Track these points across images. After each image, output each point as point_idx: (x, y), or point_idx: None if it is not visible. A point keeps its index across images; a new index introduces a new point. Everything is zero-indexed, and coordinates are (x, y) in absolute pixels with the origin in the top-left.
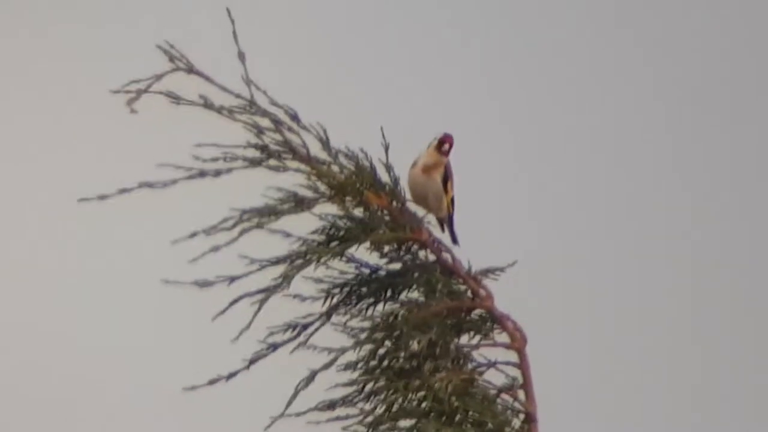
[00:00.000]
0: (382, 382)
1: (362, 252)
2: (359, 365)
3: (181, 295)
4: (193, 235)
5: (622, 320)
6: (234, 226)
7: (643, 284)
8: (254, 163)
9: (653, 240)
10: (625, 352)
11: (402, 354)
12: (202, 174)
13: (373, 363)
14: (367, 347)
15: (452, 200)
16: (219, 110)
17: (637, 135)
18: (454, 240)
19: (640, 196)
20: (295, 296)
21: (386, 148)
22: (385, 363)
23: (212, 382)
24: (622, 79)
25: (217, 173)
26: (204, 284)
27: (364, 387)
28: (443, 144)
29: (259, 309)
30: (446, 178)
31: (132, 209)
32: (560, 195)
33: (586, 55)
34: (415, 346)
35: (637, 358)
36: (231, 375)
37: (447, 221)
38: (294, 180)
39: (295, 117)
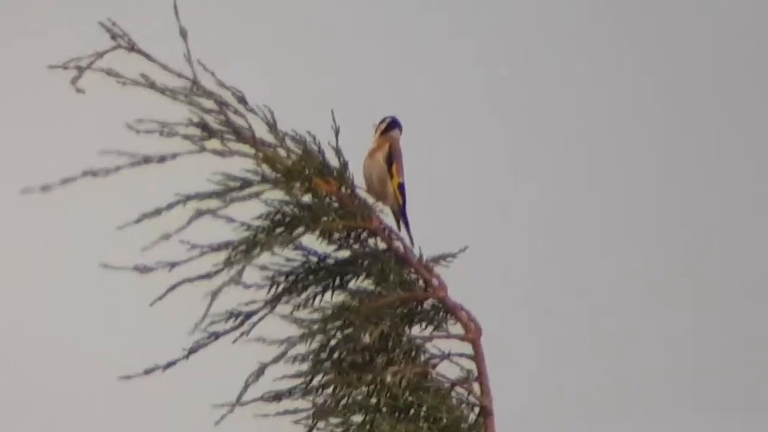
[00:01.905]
0: (332, 375)
1: (309, 239)
2: (309, 357)
3: (124, 283)
4: (139, 220)
5: (579, 307)
6: (177, 204)
7: (603, 268)
8: (195, 142)
9: (613, 220)
10: (581, 341)
11: (353, 346)
12: (147, 160)
13: (323, 355)
14: (318, 339)
15: (401, 187)
16: (162, 91)
17: (602, 111)
18: (410, 237)
19: (600, 172)
20: (237, 283)
21: (336, 132)
22: (336, 355)
23: (148, 371)
24: (596, 59)
25: (162, 159)
26: (144, 270)
27: (311, 379)
28: (381, 124)
29: (212, 301)
30: (390, 160)
31: (76, 196)
32: (518, 176)
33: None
34: (366, 338)
35: (592, 346)
36: (169, 364)
37: (398, 212)
38: (241, 165)
39: (242, 99)
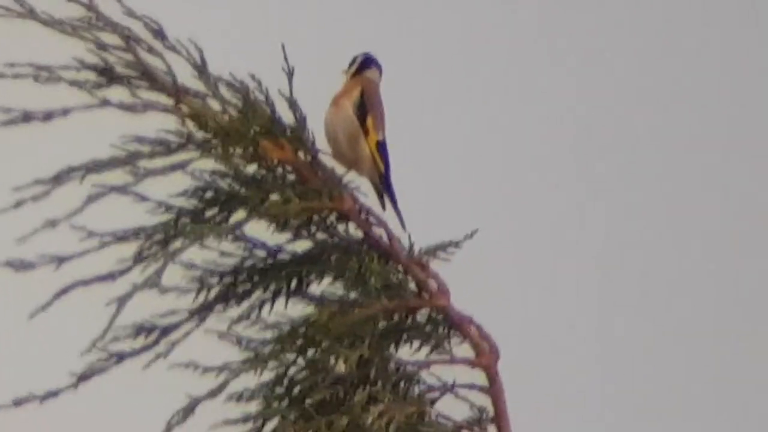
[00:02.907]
0: (291, 419)
1: (255, 226)
2: (260, 393)
3: None
4: (19, 204)
5: (629, 321)
6: (68, 178)
7: (654, 266)
8: (91, 92)
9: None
10: (633, 367)
11: (321, 378)
12: (27, 117)
13: (278, 390)
14: (271, 367)
15: (380, 147)
16: (46, 22)
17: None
18: (399, 219)
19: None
20: (154, 287)
21: (290, 75)
22: (297, 391)
23: (18, 403)
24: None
25: (48, 116)
26: (22, 266)
27: (263, 425)
28: (351, 66)
29: (117, 312)
30: (363, 109)
31: None
32: (533, 157)
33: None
34: (340, 366)
35: (649, 374)
36: (49, 395)
37: (379, 183)
38: (157, 125)
39: (159, 33)
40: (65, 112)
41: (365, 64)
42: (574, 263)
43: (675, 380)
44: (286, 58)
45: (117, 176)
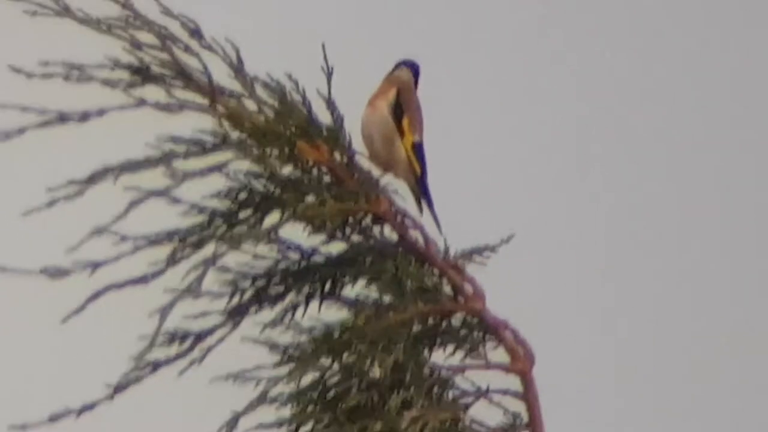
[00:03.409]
0: (326, 423)
1: (289, 228)
2: (294, 398)
3: (28, 290)
4: (52, 203)
5: (677, 327)
6: (102, 178)
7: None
8: (127, 92)
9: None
10: (677, 375)
11: (357, 383)
12: (63, 118)
13: (313, 395)
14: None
15: (417, 149)
16: (82, 20)
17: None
18: (436, 222)
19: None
20: (196, 296)
21: (328, 75)
22: (331, 395)
23: (54, 418)
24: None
25: (84, 117)
26: (56, 273)
27: (297, 429)
28: (395, 69)
29: (162, 322)
30: (399, 110)
31: None
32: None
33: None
34: (375, 371)
35: (696, 383)
36: (85, 409)
37: (415, 185)
38: (193, 125)
39: (196, 32)
40: (101, 112)
41: (399, 65)
42: (616, 267)
43: (730, 392)
44: (325, 58)
45: (151, 177)
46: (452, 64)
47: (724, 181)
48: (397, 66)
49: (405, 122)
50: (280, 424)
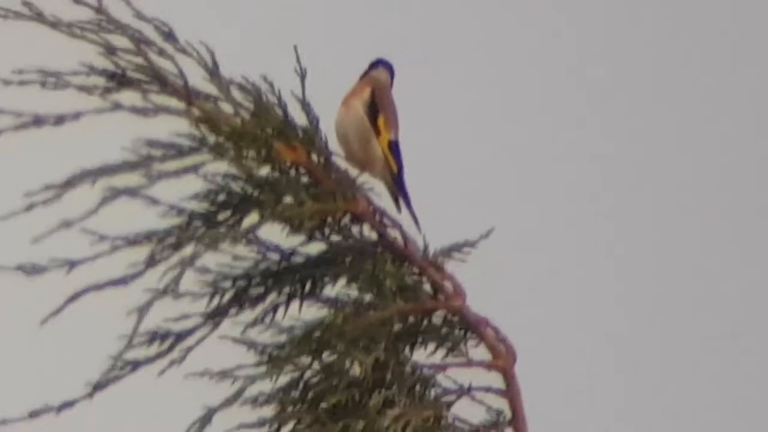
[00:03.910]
0: (307, 423)
1: (267, 228)
2: (275, 398)
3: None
4: (30, 207)
5: (649, 321)
6: (80, 181)
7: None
8: (102, 96)
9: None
10: (651, 367)
11: (337, 382)
12: (38, 121)
13: (293, 394)
14: (286, 372)
15: (393, 146)
16: (54, 24)
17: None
18: (415, 221)
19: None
20: (173, 295)
21: (302, 76)
22: (312, 394)
23: (34, 414)
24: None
25: (59, 120)
26: (34, 270)
27: (278, 429)
28: (370, 69)
29: (140, 320)
30: (375, 109)
31: None
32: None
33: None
34: (356, 370)
35: (666, 373)
36: (64, 405)
37: (392, 183)
38: (170, 128)
39: (169, 35)
40: (77, 116)
41: (374, 65)
42: (592, 262)
43: (696, 385)
44: (298, 60)
45: (129, 179)
46: (426, 59)
47: (715, 177)
48: (372, 66)
49: (380, 121)
50: (261, 423)
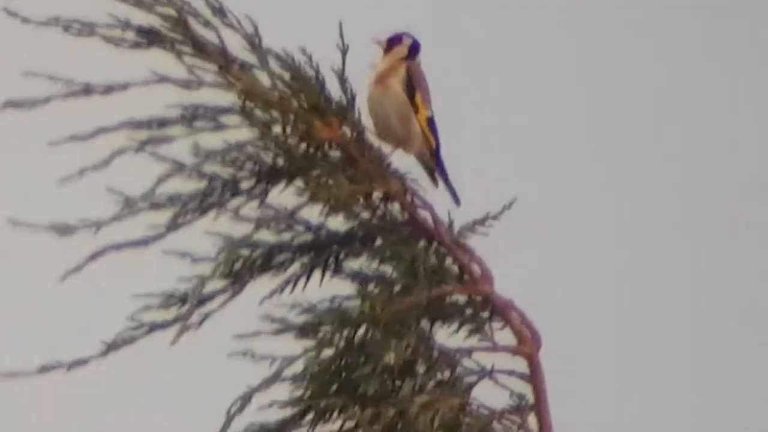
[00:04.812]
0: (340, 407)
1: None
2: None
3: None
4: (83, 171)
5: (677, 307)
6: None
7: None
8: (131, 46)
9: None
10: (689, 358)
11: (371, 369)
12: (88, 90)
13: (325, 377)
14: (323, 353)
15: (430, 122)
16: None
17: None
18: (454, 196)
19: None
20: (184, 255)
21: (344, 52)
22: (345, 378)
23: (44, 369)
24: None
25: (108, 90)
26: (65, 230)
27: (307, 410)
28: (392, 44)
29: (200, 289)
30: (411, 86)
31: None
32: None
33: None
34: (390, 357)
35: (694, 358)
36: (76, 363)
37: (431, 161)
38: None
39: (219, 10)
40: (125, 86)
41: (396, 39)
42: (624, 249)
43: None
44: (341, 35)
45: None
46: (452, 37)
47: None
48: (394, 40)
49: (418, 98)
50: (294, 403)
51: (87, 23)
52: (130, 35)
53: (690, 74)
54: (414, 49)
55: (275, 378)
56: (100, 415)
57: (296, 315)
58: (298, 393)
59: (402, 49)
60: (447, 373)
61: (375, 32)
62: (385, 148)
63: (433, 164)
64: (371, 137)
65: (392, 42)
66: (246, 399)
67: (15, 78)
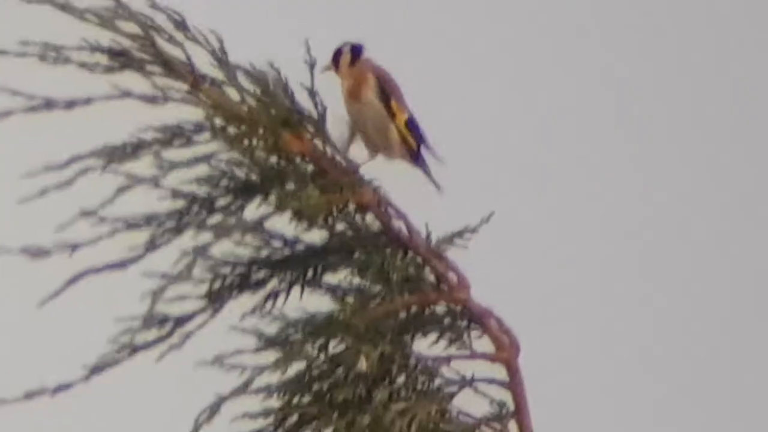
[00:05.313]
0: (312, 415)
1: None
2: (280, 389)
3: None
4: (44, 192)
5: (655, 314)
6: (82, 161)
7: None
8: (103, 71)
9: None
10: (656, 361)
11: (344, 375)
12: (49, 105)
13: (298, 386)
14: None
15: (409, 123)
16: (63, 7)
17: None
18: (433, 182)
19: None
20: (164, 275)
21: (311, 66)
22: (318, 387)
23: (30, 395)
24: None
25: (70, 105)
26: (37, 253)
27: (284, 420)
28: (337, 60)
29: (154, 305)
30: (386, 94)
31: None
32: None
33: None
34: (362, 363)
35: (673, 370)
36: (60, 388)
37: (410, 160)
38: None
39: (181, 24)
40: (87, 101)
41: (356, 51)
42: (598, 249)
43: (710, 377)
44: (308, 51)
45: (136, 166)
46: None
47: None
48: (337, 55)
49: (393, 104)
50: (266, 414)
51: (59, 49)
52: (103, 59)
53: (687, 74)
54: (355, 51)
55: (245, 387)
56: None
57: (267, 324)
58: (270, 403)
59: (346, 58)
60: (425, 382)
61: (342, 37)
62: (370, 155)
63: (414, 164)
64: (343, 149)
65: (336, 58)
66: (215, 407)
67: None
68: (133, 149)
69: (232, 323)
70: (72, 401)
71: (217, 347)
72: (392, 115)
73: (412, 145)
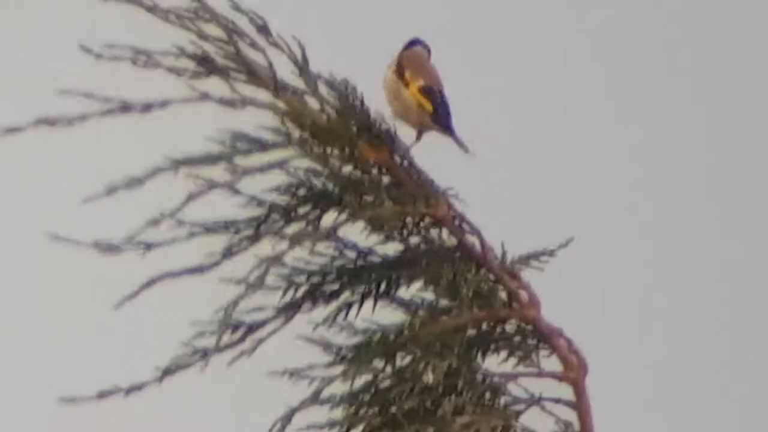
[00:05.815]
0: (376, 426)
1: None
2: (345, 399)
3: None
4: (111, 191)
5: (722, 335)
6: (162, 172)
7: None
8: (188, 83)
9: None
10: (723, 382)
11: (411, 387)
12: (125, 108)
13: (365, 397)
14: (361, 375)
15: (424, 90)
16: (150, 9)
17: None
18: (461, 146)
19: None
20: (238, 282)
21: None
22: (384, 398)
23: (103, 395)
24: None
25: (146, 108)
26: (108, 248)
27: (349, 430)
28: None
29: (231, 310)
30: (401, 68)
31: (24, 151)
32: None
33: None
34: (428, 376)
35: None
36: (132, 388)
37: (431, 122)
38: (256, 122)
39: (263, 28)
40: (164, 104)
41: (407, 45)
42: (670, 274)
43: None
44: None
45: (212, 172)
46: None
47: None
48: (408, 45)
49: (407, 74)
50: (331, 425)
51: (150, 55)
52: (191, 64)
53: (687, 74)
54: (409, 44)
55: (315, 398)
56: None
57: (334, 334)
58: (337, 414)
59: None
60: (491, 398)
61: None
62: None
63: (435, 126)
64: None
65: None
66: (286, 419)
67: (50, 97)
68: (215, 159)
69: (300, 332)
70: (140, 404)
71: (284, 357)
72: (405, 82)
73: (428, 108)
